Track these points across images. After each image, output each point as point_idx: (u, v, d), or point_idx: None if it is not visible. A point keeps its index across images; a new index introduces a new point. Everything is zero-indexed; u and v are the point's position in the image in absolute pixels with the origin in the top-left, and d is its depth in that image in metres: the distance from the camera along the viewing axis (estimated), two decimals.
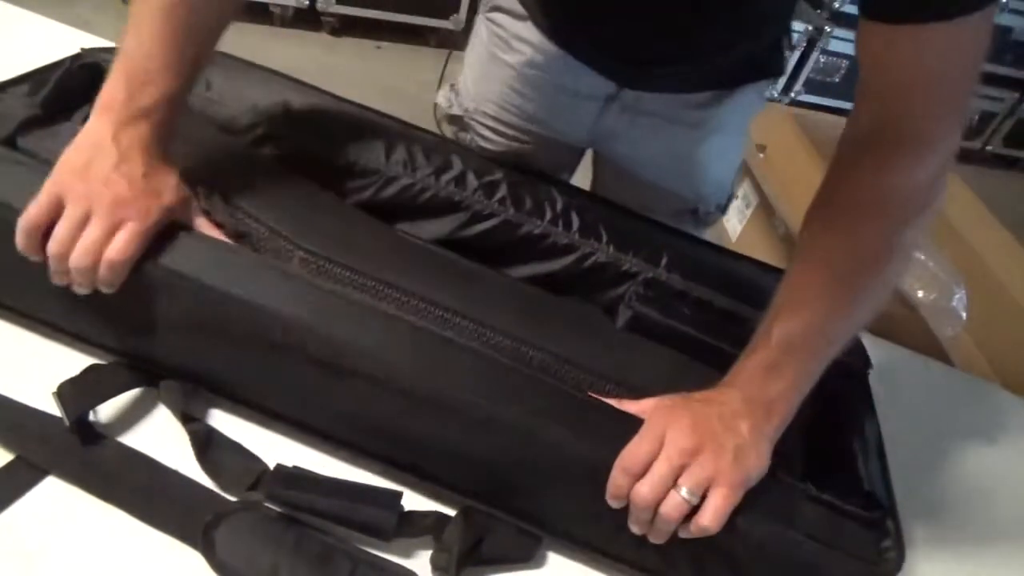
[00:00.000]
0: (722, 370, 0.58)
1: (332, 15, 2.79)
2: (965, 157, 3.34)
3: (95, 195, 0.51)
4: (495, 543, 0.54)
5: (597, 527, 0.56)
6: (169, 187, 0.55)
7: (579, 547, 0.57)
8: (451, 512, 0.55)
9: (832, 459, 0.63)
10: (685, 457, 0.50)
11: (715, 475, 0.50)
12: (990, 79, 3.14)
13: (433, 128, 0.87)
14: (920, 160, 0.53)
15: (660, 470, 0.50)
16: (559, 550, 0.57)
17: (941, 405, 0.88)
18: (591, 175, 0.98)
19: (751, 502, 0.52)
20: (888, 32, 0.49)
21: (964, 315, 1.83)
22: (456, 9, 2.83)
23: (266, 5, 2.68)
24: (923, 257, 1.90)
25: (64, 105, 0.70)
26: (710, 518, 0.50)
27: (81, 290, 0.52)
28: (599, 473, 0.52)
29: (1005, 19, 2.97)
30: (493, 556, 0.54)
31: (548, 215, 0.72)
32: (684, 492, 0.50)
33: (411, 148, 0.73)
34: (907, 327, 1.82)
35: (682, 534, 0.51)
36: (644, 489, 0.50)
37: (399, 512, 0.52)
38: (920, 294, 1.87)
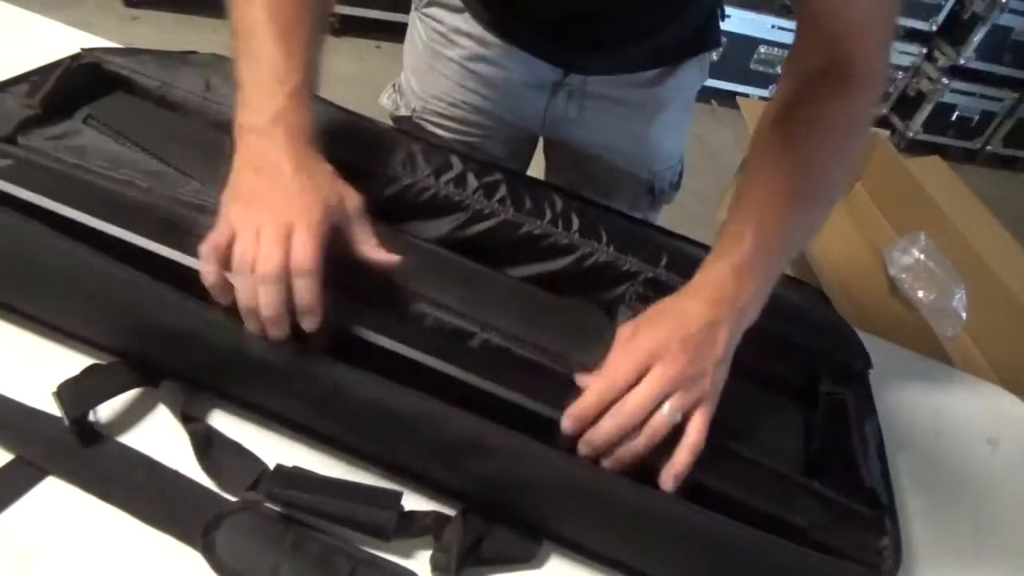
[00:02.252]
0: None
1: (332, 15, 2.79)
2: (965, 157, 3.34)
3: (256, 212, 0.50)
4: (495, 543, 0.54)
5: (598, 532, 0.56)
6: (323, 182, 0.53)
7: (578, 551, 0.57)
8: (451, 512, 0.55)
9: (832, 458, 0.63)
10: (680, 380, 0.51)
11: (699, 400, 0.51)
12: (990, 79, 3.14)
13: None
14: (863, 91, 0.59)
15: (651, 391, 0.50)
16: (559, 550, 0.57)
17: (941, 405, 0.88)
18: (543, 164, 0.99)
19: (753, 500, 0.52)
20: None
21: (964, 315, 1.83)
22: None
23: None
24: (923, 257, 1.90)
25: (64, 105, 0.70)
26: (698, 433, 0.51)
27: (276, 331, 0.50)
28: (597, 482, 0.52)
29: (1005, 19, 2.97)
30: (493, 556, 0.54)
31: (548, 215, 0.72)
32: (669, 412, 0.50)
33: (411, 148, 0.73)
34: (907, 327, 1.82)
35: (644, 449, 0.51)
36: (629, 407, 0.50)
37: (399, 512, 0.52)
38: (920, 294, 1.87)
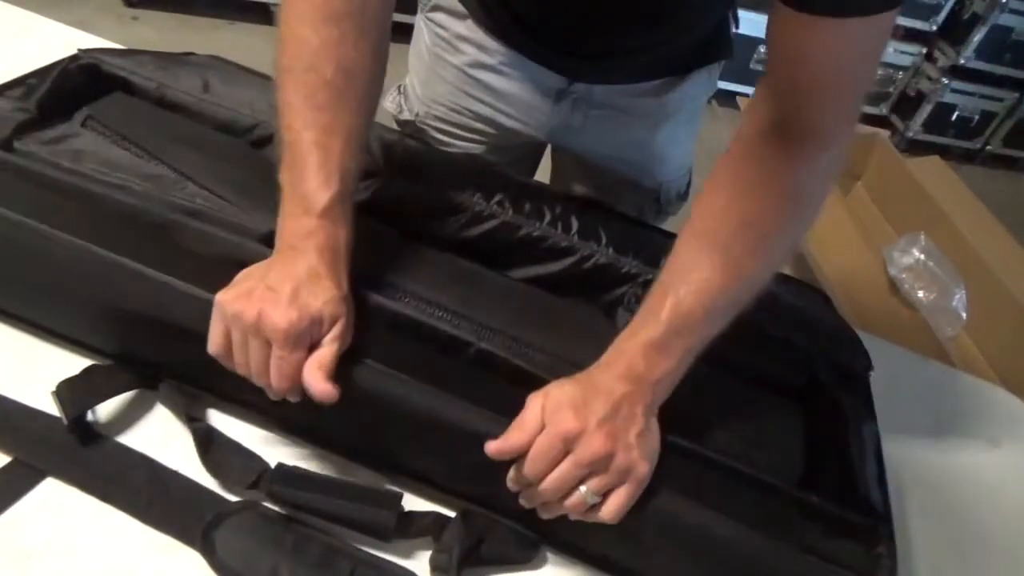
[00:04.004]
0: (721, 370, 0.58)
1: None
2: (965, 157, 3.34)
3: (242, 312, 0.50)
4: (495, 544, 0.54)
5: (594, 534, 0.56)
6: (314, 300, 0.51)
7: (577, 554, 0.57)
8: (451, 513, 0.55)
9: (829, 461, 0.63)
10: (595, 464, 0.50)
11: (622, 479, 0.51)
12: (990, 79, 3.14)
13: None
14: (824, 152, 0.53)
15: (569, 473, 0.50)
16: (559, 551, 0.57)
17: (941, 405, 0.88)
18: (550, 170, 0.98)
19: (745, 512, 0.52)
20: (807, 23, 0.47)
21: (964, 315, 1.83)
22: None
23: (266, 5, 2.68)
24: (923, 257, 1.90)
25: (61, 107, 0.70)
26: (612, 515, 0.51)
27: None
28: None
29: (1005, 19, 2.96)
30: (493, 557, 0.54)
31: (547, 217, 0.72)
32: (587, 495, 0.50)
33: (411, 150, 0.73)
34: (907, 327, 1.82)
35: (572, 517, 0.52)
36: (549, 487, 0.50)
37: (399, 512, 0.52)
38: (920, 294, 1.87)
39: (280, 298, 0.50)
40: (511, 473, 0.52)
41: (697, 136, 0.93)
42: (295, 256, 0.52)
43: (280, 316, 0.49)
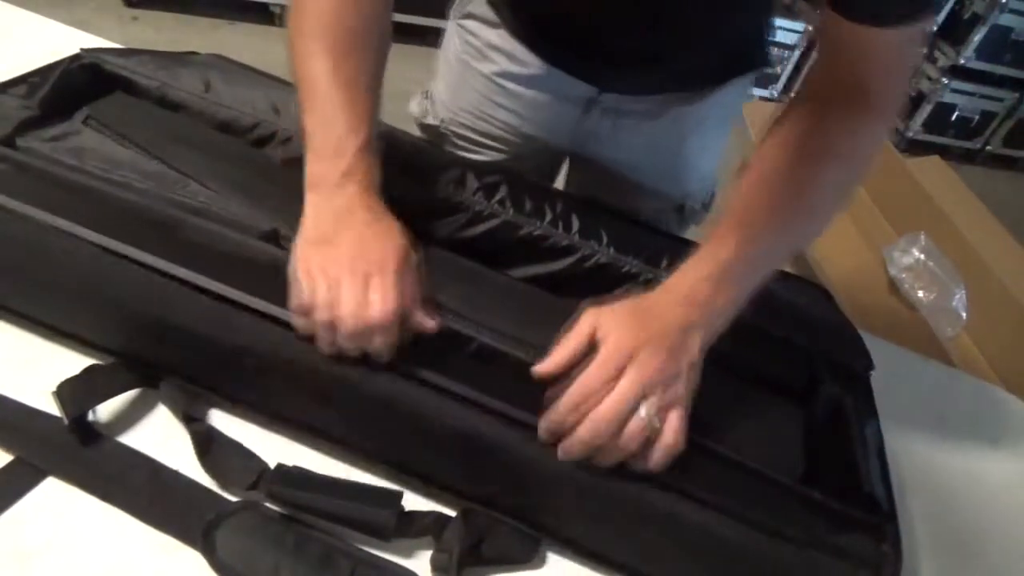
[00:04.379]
0: (721, 370, 0.58)
1: None
2: (965, 157, 3.34)
3: (333, 261, 0.52)
4: (495, 543, 0.54)
5: (596, 531, 0.56)
6: (394, 231, 0.55)
7: (578, 552, 0.57)
8: (451, 512, 0.55)
9: (832, 461, 0.63)
10: (655, 383, 0.49)
11: (676, 399, 0.50)
12: (990, 79, 3.14)
13: None
14: (872, 120, 0.58)
15: (629, 392, 0.49)
16: (559, 551, 0.57)
17: (941, 405, 0.88)
18: (565, 178, 0.97)
19: (746, 508, 0.52)
20: (850, 27, 0.52)
21: (964, 315, 1.83)
22: None
23: (266, 5, 2.69)
24: (923, 257, 1.90)
25: (63, 105, 0.70)
26: (674, 436, 0.50)
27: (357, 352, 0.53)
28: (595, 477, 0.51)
29: (1005, 19, 2.96)
30: (493, 556, 0.54)
31: (548, 216, 0.72)
32: (646, 415, 0.49)
33: (412, 150, 0.73)
34: (907, 327, 1.82)
35: (624, 455, 0.50)
36: (604, 412, 0.48)
37: (399, 512, 0.52)
38: (920, 294, 1.87)
39: (366, 241, 0.53)
40: (550, 415, 0.50)
41: (726, 145, 0.91)
42: (342, 196, 0.55)
43: (383, 260, 0.52)
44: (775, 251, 0.59)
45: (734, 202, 0.58)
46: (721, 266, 0.54)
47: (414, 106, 0.92)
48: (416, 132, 0.89)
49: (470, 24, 0.83)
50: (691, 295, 0.54)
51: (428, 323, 0.55)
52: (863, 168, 0.61)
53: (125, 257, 0.55)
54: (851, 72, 0.57)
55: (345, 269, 0.51)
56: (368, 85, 0.59)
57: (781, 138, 0.59)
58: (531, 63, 0.79)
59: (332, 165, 0.55)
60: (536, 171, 0.90)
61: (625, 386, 0.49)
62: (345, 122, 0.56)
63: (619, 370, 0.49)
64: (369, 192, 0.56)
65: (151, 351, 0.57)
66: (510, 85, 0.82)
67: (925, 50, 0.70)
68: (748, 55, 0.82)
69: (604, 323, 0.52)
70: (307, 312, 0.52)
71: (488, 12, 0.80)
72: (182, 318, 0.54)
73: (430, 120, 0.90)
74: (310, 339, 0.53)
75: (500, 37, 0.80)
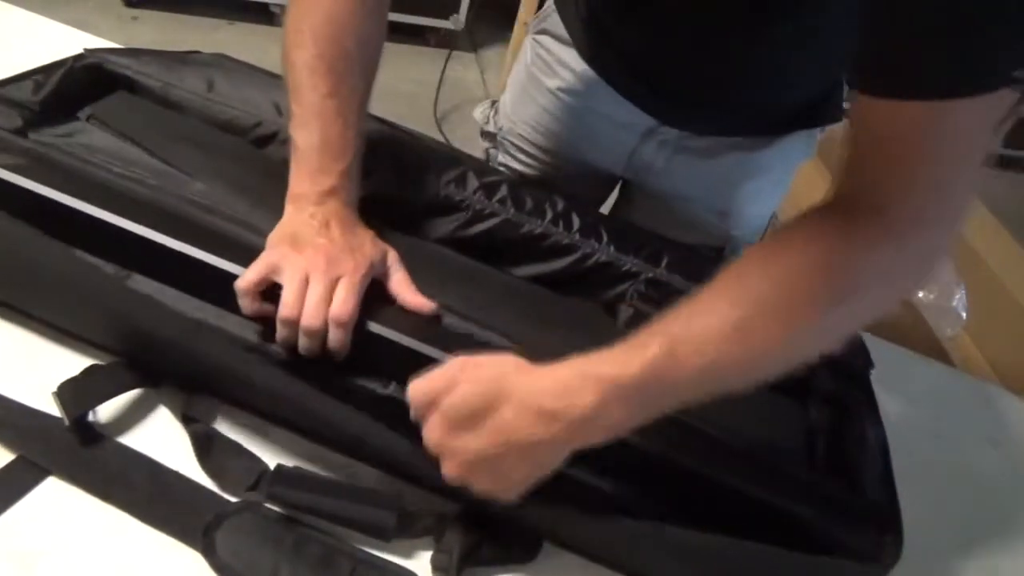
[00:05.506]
0: None
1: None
2: None
3: (309, 260, 0.55)
4: (495, 543, 0.54)
5: (595, 537, 0.56)
6: (367, 242, 0.59)
7: (577, 552, 0.57)
8: (451, 513, 0.55)
9: (834, 459, 0.63)
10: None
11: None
12: None
13: (433, 130, 0.87)
14: (889, 239, 0.46)
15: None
16: (559, 550, 0.57)
17: (941, 405, 0.88)
18: (613, 202, 0.97)
19: (754, 492, 0.52)
20: (868, 102, 0.44)
21: (964, 315, 1.83)
22: (456, 9, 2.82)
23: (266, 5, 2.68)
24: None
25: (66, 105, 0.70)
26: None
27: (310, 353, 0.55)
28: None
29: None
30: (493, 557, 0.54)
31: (549, 215, 0.72)
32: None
33: (412, 149, 0.73)
34: (907, 327, 1.82)
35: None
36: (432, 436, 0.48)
37: (399, 512, 0.52)
38: (920, 294, 1.87)
39: (340, 248, 0.56)
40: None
41: (781, 199, 0.87)
42: (320, 210, 0.57)
43: (355, 266, 0.55)
44: (712, 371, 0.46)
45: (690, 303, 0.48)
46: (617, 375, 0.45)
47: (478, 113, 0.95)
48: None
49: (544, 39, 0.84)
50: (554, 402, 0.45)
51: (427, 304, 0.58)
52: (866, 298, 0.49)
53: (126, 257, 0.55)
54: (862, 161, 0.46)
55: (317, 272, 0.54)
56: (358, 107, 0.62)
57: (773, 263, 0.48)
58: (595, 85, 0.80)
59: (315, 183, 0.58)
60: (586, 191, 0.89)
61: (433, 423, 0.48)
62: (333, 147, 0.59)
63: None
64: (346, 207, 0.59)
65: (149, 354, 0.57)
66: (573, 102, 0.83)
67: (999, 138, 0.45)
68: (818, 109, 0.80)
69: (465, 378, 0.47)
70: (257, 292, 0.54)
71: (562, 30, 0.81)
72: (176, 331, 0.55)
73: (490, 127, 0.92)
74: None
75: (571, 56, 0.81)
